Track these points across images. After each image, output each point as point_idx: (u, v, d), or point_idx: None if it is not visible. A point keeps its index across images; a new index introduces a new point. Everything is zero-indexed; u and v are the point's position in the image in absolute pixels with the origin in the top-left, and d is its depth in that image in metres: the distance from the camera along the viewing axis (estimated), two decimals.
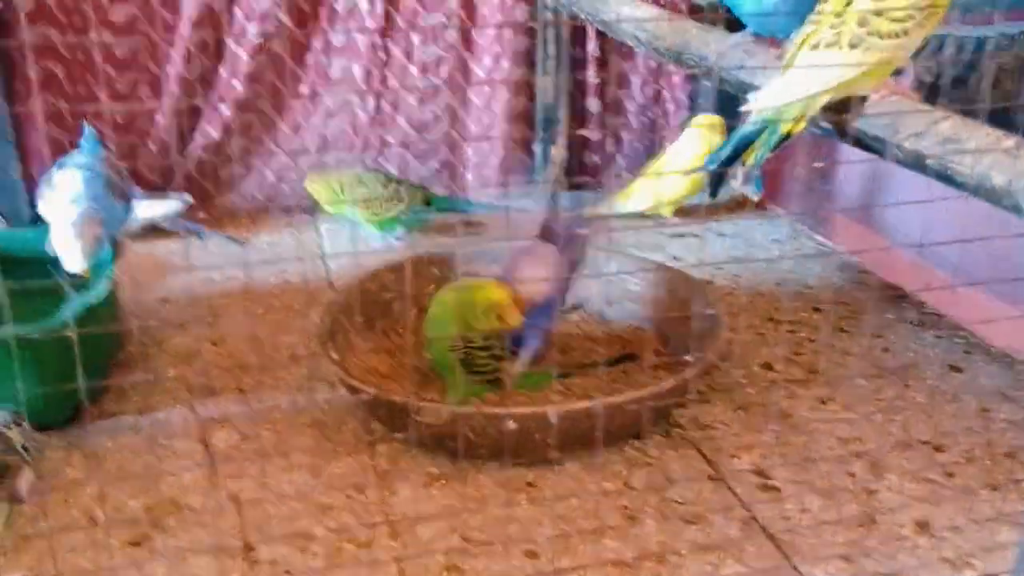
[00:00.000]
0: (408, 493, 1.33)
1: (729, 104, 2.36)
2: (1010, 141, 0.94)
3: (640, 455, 1.40)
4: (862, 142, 1.11)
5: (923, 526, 1.25)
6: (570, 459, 1.38)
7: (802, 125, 1.10)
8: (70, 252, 1.44)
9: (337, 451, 1.42)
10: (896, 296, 1.91)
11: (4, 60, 2.04)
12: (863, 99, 1.10)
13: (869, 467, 1.36)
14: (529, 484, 1.34)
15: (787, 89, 1.08)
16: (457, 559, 1.20)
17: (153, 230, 2.11)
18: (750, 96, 1.13)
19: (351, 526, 1.26)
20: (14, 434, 1.25)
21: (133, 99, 2.21)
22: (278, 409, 1.52)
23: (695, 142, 2.14)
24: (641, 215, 2.21)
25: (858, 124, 1.09)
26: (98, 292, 1.47)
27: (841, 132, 1.13)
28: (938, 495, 1.30)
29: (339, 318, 1.58)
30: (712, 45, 1.43)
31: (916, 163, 1.04)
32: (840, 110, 1.12)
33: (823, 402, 1.53)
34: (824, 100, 1.08)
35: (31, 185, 2.12)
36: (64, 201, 1.48)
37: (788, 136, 1.10)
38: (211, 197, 2.30)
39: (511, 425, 1.29)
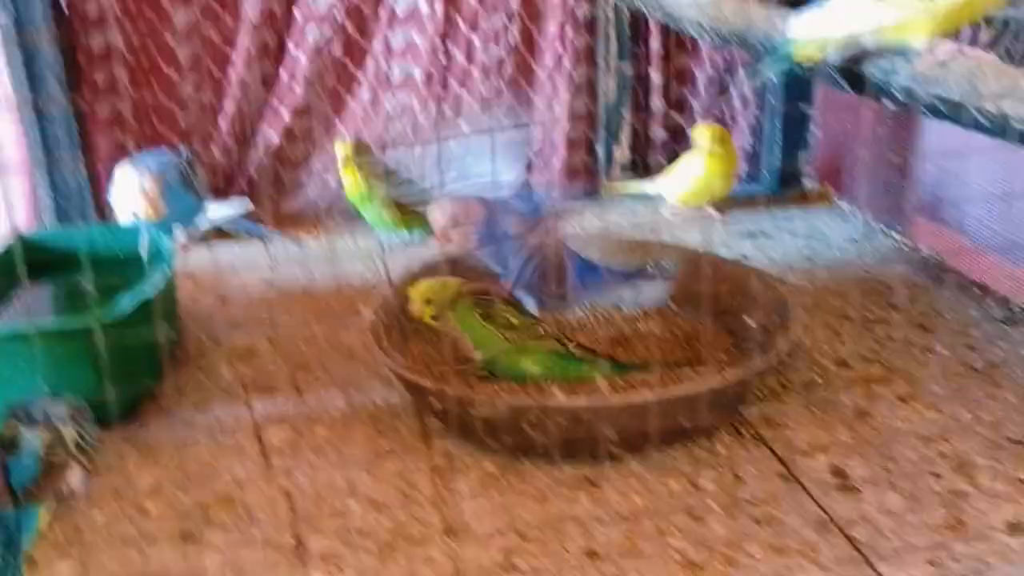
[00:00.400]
0: (464, 490, 1.28)
1: (802, 95, 2.31)
2: None
3: (707, 454, 1.33)
4: (936, 109, 1.04)
5: (1016, 528, 1.15)
6: (633, 458, 1.32)
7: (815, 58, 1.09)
8: (129, 200, 1.47)
9: (392, 448, 1.38)
10: (980, 294, 1.80)
11: (70, 65, 2.07)
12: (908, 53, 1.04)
13: (956, 467, 1.27)
14: (590, 482, 1.28)
15: (823, 22, 1.05)
16: (515, 557, 1.14)
17: (215, 232, 2.11)
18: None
19: (405, 523, 1.22)
20: (68, 431, 1.23)
21: (196, 103, 2.22)
22: (333, 407, 1.49)
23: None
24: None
25: (932, 89, 1.03)
26: (155, 284, 1.46)
27: (855, 81, 1.09)
28: None
29: (395, 315, 1.54)
30: (778, 25, 1.37)
31: (1000, 128, 0.97)
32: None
33: (904, 400, 1.44)
34: (844, 40, 1.05)
35: (96, 188, 2.14)
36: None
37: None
38: (272, 201, 2.30)
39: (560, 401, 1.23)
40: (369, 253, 2.10)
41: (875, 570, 1.10)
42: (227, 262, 2.05)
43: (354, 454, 1.37)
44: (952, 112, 1.05)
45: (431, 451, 1.37)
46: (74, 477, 1.24)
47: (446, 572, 1.13)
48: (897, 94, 1.13)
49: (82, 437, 1.25)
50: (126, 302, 1.39)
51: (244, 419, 1.46)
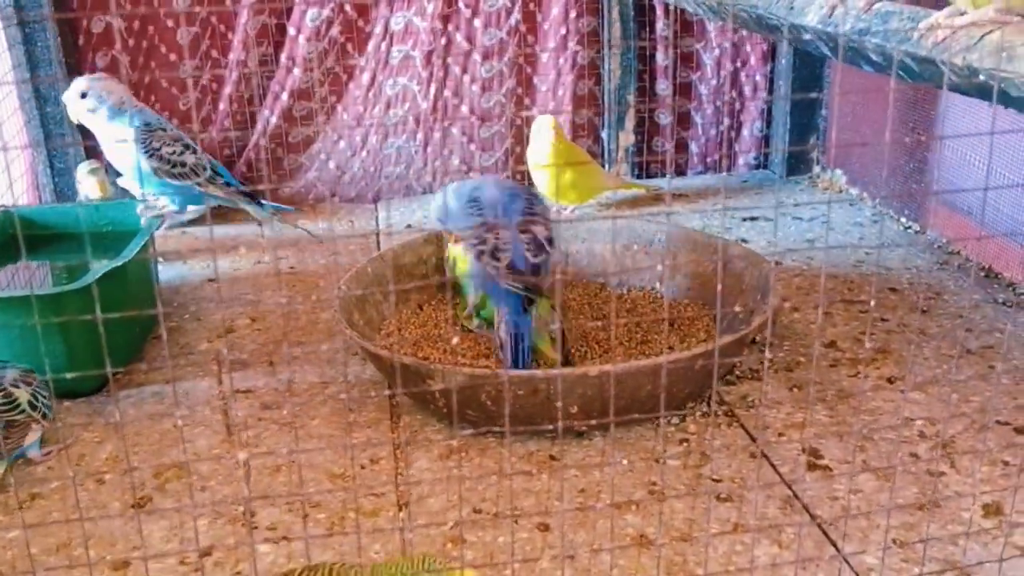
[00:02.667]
0: (424, 464, 1.25)
1: (811, 81, 2.25)
2: None
3: (677, 432, 1.29)
4: (967, 82, 0.97)
5: (994, 511, 1.09)
6: (599, 435, 1.28)
7: None
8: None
9: (358, 422, 1.35)
10: (986, 277, 1.73)
11: (69, 49, 2.08)
12: None
13: (936, 449, 1.21)
14: (552, 458, 1.24)
15: None
16: (464, 530, 1.11)
17: (215, 210, 2.10)
18: None
19: (360, 496, 1.19)
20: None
21: (194, 86, 2.22)
22: (305, 382, 1.47)
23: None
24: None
25: (957, 60, 0.96)
26: (124, 256, 1.45)
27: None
28: (1014, 479, 1.14)
29: (370, 289, 1.52)
30: None
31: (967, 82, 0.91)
32: None
33: (890, 381, 1.38)
34: None
35: None
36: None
37: None
38: (273, 185, 2.29)
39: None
40: (364, 234, 2.09)
41: (837, 549, 1.04)
42: (219, 242, 2.05)
43: (319, 428, 1.34)
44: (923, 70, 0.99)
45: (397, 427, 1.34)
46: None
47: (394, 544, 1.09)
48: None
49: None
50: (92, 272, 1.38)
51: (214, 393, 1.44)
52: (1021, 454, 1.19)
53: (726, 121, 2.39)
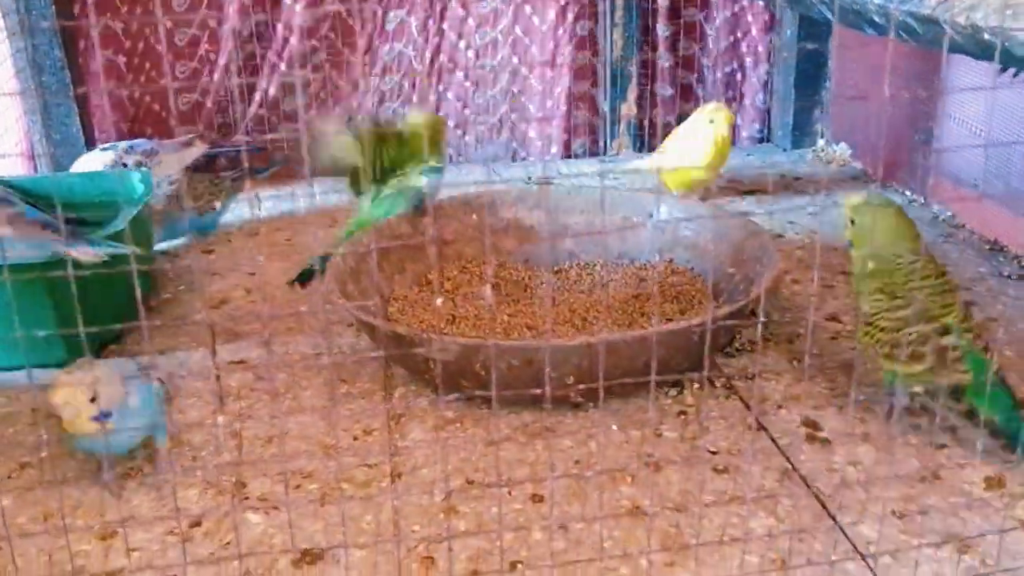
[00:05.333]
0: (419, 436, 1.23)
1: (815, 54, 2.21)
2: None
3: (675, 404, 1.27)
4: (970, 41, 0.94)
5: (996, 483, 1.07)
6: (595, 406, 1.26)
7: None
8: None
9: (351, 394, 1.34)
10: (992, 251, 1.71)
11: (68, 15, 2.05)
12: None
13: (937, 421, 1.19)
14: (548, 430, 1.23)
15: None
16: (456, 500, 1.09)
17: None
18: None
19: (351, 466, 1.17)
20: None
21: (192, 55, 2.19)
22: (299, 353, 1.45)
23: (703, 129, 1.87)
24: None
25: (960, 19, 0.93)
26: (115, 225, 1.43)
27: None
28: (1018, 451, 1.12)
29: (365, 260, 1.50)
30: None
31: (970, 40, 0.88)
32: None
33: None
34: None
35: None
36: None
37: None
38: (270, 153, 2.27)
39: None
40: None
41: (835, 520, 1.03)
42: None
43: (312, 400, 1.33)
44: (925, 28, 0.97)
45: (391, 398, 1.32)
46: None
47: (384, 515, 1.08)
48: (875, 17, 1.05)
49: None
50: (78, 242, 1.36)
51: (207, 364, 1.43)
52: None
53: (728, 93, 2.36)
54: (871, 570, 0.95)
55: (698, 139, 1.86)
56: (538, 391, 1.16)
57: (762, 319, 1.44)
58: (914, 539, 0.99)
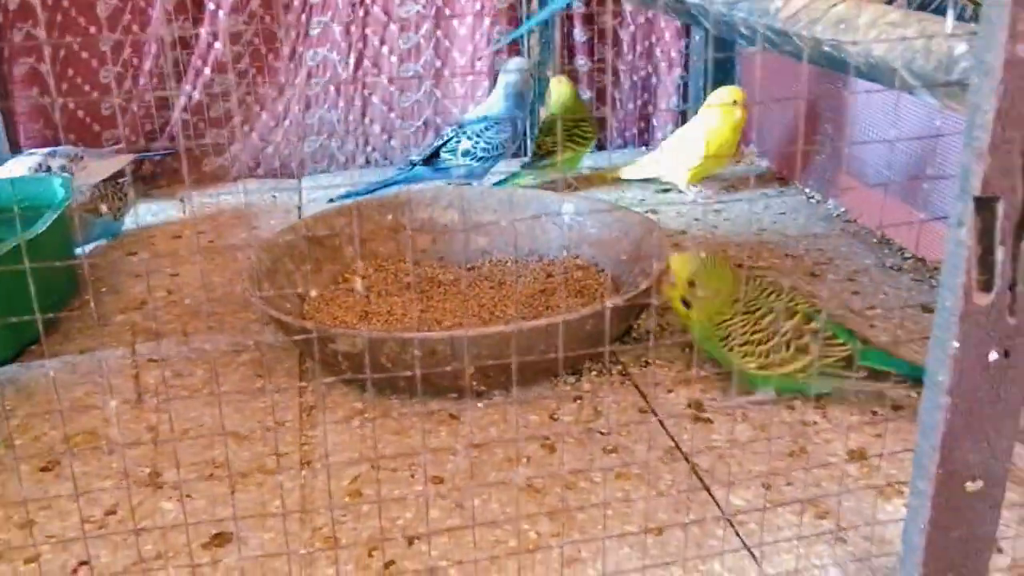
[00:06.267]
0: (329, 425, 1.30)
1: (724, 60, 2.31)
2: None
3: (572, 390, 1.35)
4: (815, 53, 1.03)
5: (857, 455, 1.17)
6: (498, 394, 1.33)
7: None
8: None
9: (266, 388, 1.40)
10: (879, 243, 1.82)
11: None
12: None
13: (812, 400, 1.29)
14: (452, 417, 1.30)
15: None
16: (362, 485, 1.16)
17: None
18: None
19: (263, 455, 1.23)
20: None
21: (116, 61, 2.22)
22: (217, 350, 1.50)
23: (715, 117, 2.01)
24: (663, 189, 2.15)
25: (805, 32, 1.02)
26: (34, 229, 1.47)
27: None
28: (880, 427, 1.22)
29: (281, 259, 1.55)
30: None
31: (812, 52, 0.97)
32: None
33: None
34: None
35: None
36: None
37: None
38: (197, 159, 2.31)
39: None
40: (286, 207, 2.12)
41: (710, 493, 1.11)
42: (142, 218, 2.06)
43: (227, 393, 1.38)
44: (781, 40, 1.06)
45: (304, 390, 1.39)
46: None
47: (293, 499, 1.14)
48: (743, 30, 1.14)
49: None
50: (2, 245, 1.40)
51: (126, 362, 1.48)
52: (889, 405, 1.27)
53: (644, 96, 2.46)
54: (738, 535, 1.04)
55: (697, 130, 2.03)
56: (445, 382, 1.25)
57: (653, 307, 1.53)
58: (778, 507, 1.08)
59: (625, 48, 2.41)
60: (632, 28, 2.38)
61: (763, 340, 1.24)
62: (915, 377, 1.18)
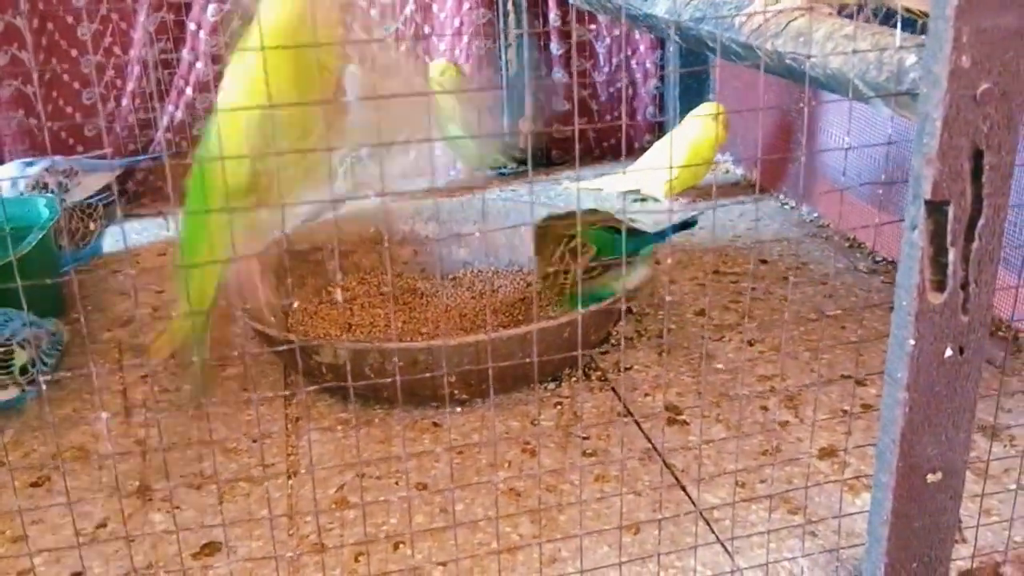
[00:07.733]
0: (315, 436, 1.32)
1: (698, 73, 2.36)
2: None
3: (553, 395, 1.38)
4: (778, 65, 1.07)
5: (827, 453, 1.21)
6: (480, 402, 1.36)
7: None
8: None
9: (252, 401, 1.42)
10: (850, 247, 1.86)
11: None
12: None
13: (785, 401, 1.33)
14: (435, 425, 1.33)
15: None
16: (348, 493, 1.19)
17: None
18: None
19: (250, 466, 1.26)
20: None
21: (99, 82, 2.25)
22: (204, 364, 1.53)
23: (696, 130, 2.07)
24: (640, 199, 2.18)
25: (767, 45, 1.06)
26: (20, 248, 1.49)
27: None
28: (850, 426, 1.26)
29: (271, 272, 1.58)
30: None
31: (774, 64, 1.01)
32: None
33: (751, 344, 1.49)
34: None
35: None
36: None
37: None
38: (180, 177, 2.33)
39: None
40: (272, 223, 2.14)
41: (686, 493, 1.15)
42: (127, 236, 2.09)
43: (215, 408, 1.41)
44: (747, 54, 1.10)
45: (290, 403, 1.41)
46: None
47: (280, 507, 1.17)
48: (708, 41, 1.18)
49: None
50: None
51: (113, 378, 1.50)
52: (859, 404, 1.31)
53: (620, 107, 2.50)
54: (712, 531, 1.07)
55: (678, 143, 2.08)
56: (425, 391, 1.28)
57: (629, 315, 1.57)
58: (753, 504, 1.11)
59: (601, 60, 2.45)
60: (608, 40, 2.43)
61: (558, 273, 1.41)
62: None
